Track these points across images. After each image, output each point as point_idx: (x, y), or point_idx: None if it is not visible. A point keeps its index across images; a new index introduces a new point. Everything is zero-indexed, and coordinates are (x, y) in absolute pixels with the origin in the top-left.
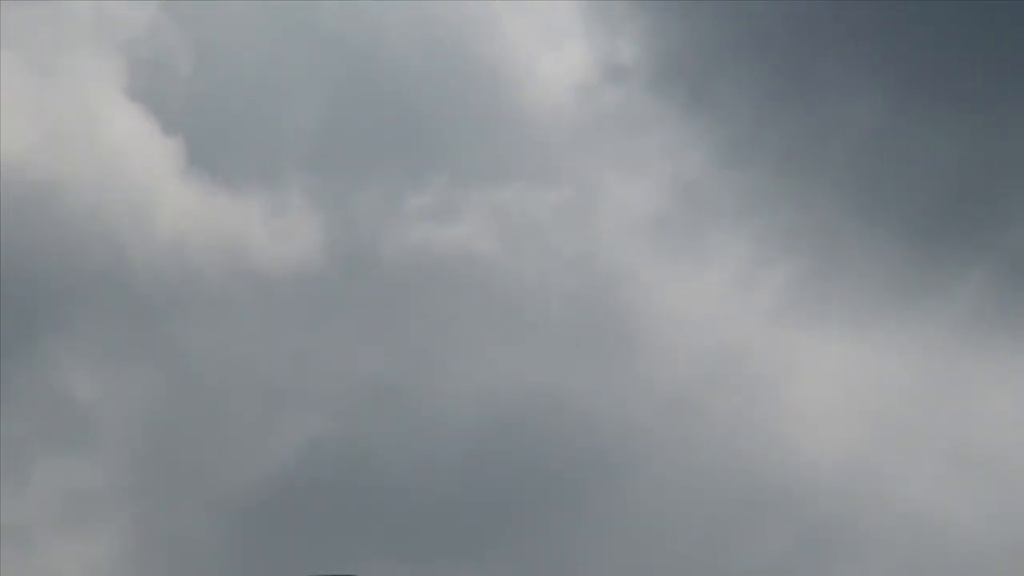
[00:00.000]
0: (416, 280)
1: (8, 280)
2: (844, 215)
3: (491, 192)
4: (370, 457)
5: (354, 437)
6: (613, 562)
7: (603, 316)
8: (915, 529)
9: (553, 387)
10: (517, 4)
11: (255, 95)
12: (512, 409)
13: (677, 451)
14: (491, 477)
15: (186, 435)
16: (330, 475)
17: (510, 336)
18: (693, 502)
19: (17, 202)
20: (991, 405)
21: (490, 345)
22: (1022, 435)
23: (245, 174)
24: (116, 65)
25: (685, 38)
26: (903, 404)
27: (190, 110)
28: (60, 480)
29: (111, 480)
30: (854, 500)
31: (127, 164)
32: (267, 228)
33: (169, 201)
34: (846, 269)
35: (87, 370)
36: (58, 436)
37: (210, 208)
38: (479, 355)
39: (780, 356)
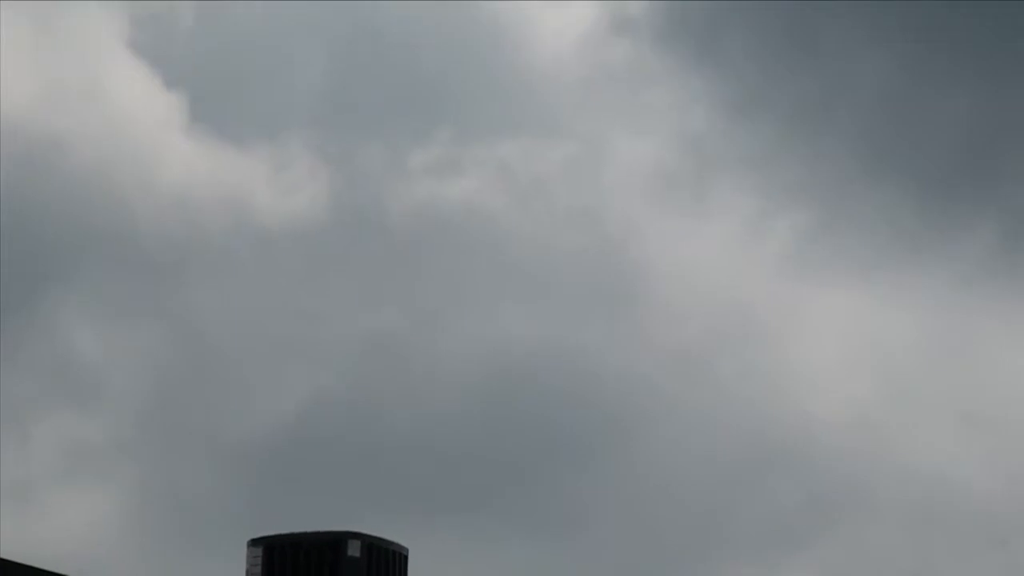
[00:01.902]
0: (421, 235)
1: (10, 236)
2: (851, 170)
3: (496, 147)
4: (375, 412)
5: (359, 392)
6: (618, 517)
7: (609, 271)
8: (922, 485)
9: (557, 342)
10: None
11: (259, 50)
12: (517, 364)
13: (682, 406)
14: (496, 433)
15: (190, 390)
16: (334, 430)
17: (515, 291)
18: (698, 457)
19: (19, 158)
20: (1000, 360)
21: (495, 300)
22: None
23: (249, 129)
24: (118, 19)
25: None
26: (910, 359)
27: (193, 65)
28: (63, 435)
29: (114, 435)
30: (861, 456)
31: (130, 119)
32: (271, 183)
33: (173, 156)
34: (853, 224)
35: (90, 325)
36: (61, 391)
37: (214, 164)
38: (484, 310)
39: (786, 311)
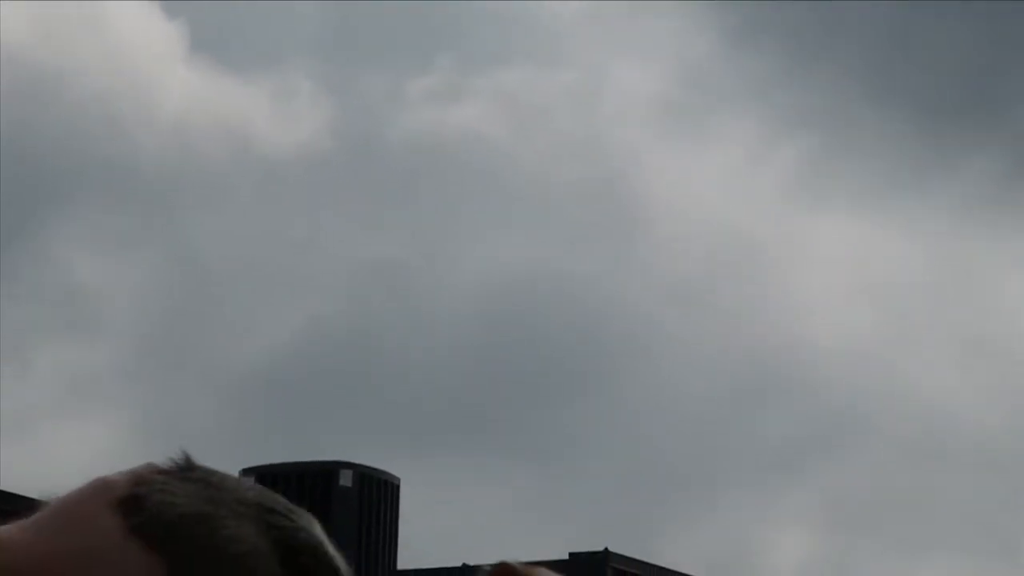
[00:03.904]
0: (422, 164)
1: (8, 166)
2: (853, 97)
3: (498, 75)
4: (374, 340)
5: (358, 320)
6: (616, 451)
7: (609, 201)
8: (923, 414)
9: (557, 271)
10: None
11: None
12: (517, 294)
13: (682, 337)
14: (494, 362)
15: (189, 318)
16: (333, 358)
17: (515, 220)
18: (698, 389)
19: (18, 89)
20: (1004, 288)
21: (495, 229)
22: None
23: (249, 59)
24: None
25: None
26: (914, 288)
27: None
28: (62, 364)
29: (113, 363)
30: (862, 384)
31: (129, 49)
32: (272, 113)
33: (173, 86)
34: (855, 150)
35: (90, 254)
36: (60, 320)
37: (214, 93)
38: (483, 239)
39: (788, 239)
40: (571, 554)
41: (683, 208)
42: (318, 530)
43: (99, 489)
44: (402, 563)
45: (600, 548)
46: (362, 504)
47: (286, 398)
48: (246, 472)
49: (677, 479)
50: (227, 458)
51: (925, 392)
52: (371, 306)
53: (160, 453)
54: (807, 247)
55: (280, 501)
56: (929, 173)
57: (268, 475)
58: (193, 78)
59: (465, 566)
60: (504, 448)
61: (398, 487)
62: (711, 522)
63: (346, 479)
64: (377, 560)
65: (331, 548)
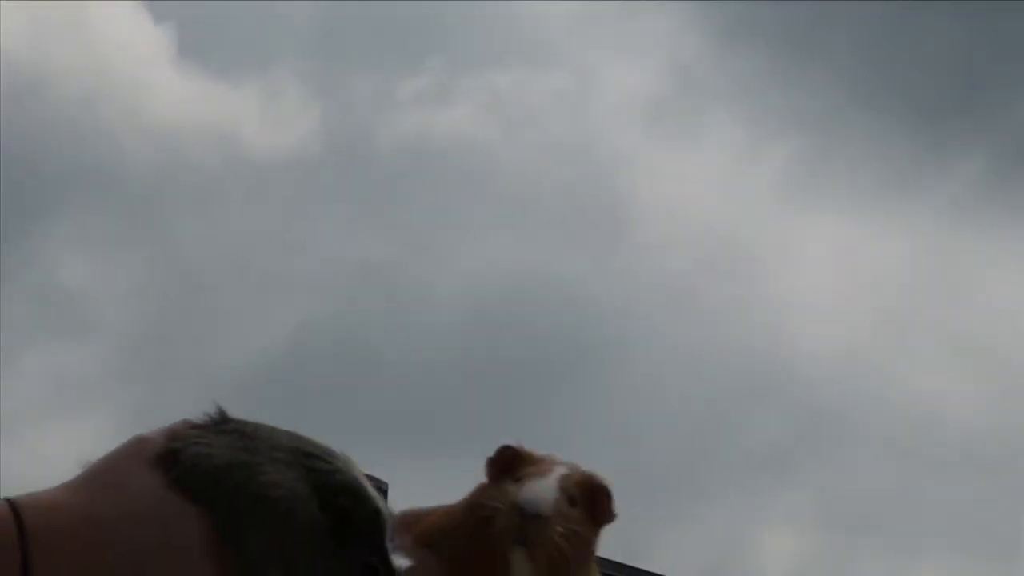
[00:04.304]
0: (411, 166)
1: None
2: (844, 97)
3: (487, 77)
4: (362, 342)
5: (347, 321)
6: (604, 449)
7: (599, 202)
8: (914, 420)
9: (547, 273)
10: None
11: None
12: (506, 296)
13: (671, 338)
14: (483, 364)
15: (179, 321)
16: (321, 360)
17: (505, 222)
18: (686, 391)
19: (6, 91)
20: (992, 291)
21: (485, 231)
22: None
23: (238, 61)
24: None
25: None
26: (903, 290)
27: None
28: (51, 366)
29: (102, 365)
30: (852, 389)
31: (117, 52)
32: (261, 116)
33: (161, 89)
34: (846, 151)
35: (79, 257)
36: (50, 322)
37: (203, 96)
38: (473, 241)
39: (777, 241)
40: None
41: (672, 209)
42: (356, 471)
43: (136, 447)
44: None
45: None
46: None
47: (274, 401)
48: None
49: (665, 481)
50: None
51: (914, 393)
52: (360, 308)
53: None
54: (796, 248)
55: (317, 445)
56: (919, 174)
57: None
58: (181, 81)
59: None
60: (492, 451)
61: (386, 492)
62: (699, 525)
63: None
64: None
65: (370, 488)
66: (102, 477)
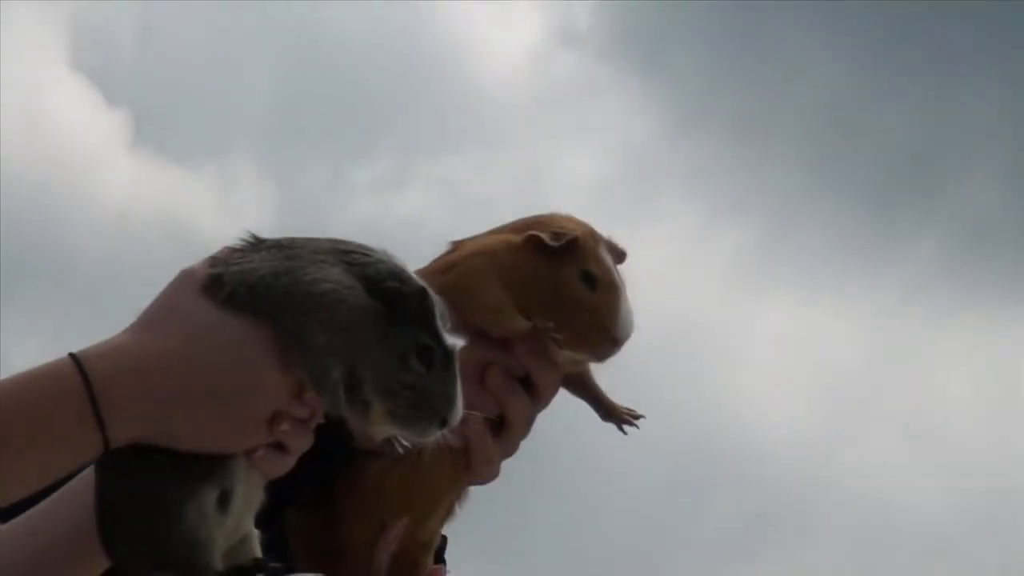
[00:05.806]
0: None
1: None
2: (798, 182)
3: (440, 163)
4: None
5: None
6: (558, 537)
7: None
8: (867, 506)
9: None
10: None
11: (202, 68)
12: None
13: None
14: None
15: None
16: None
17: None
18: (637, 475)
19: None
20: (946, 377)
21: None
22: (977, 410)
23: (192, 148)
24: (58, 35)
25: (639, 2)
26: (856, 375)
27: (135, 82)
28: None
29: None
30: (805, 476)
31: (71, 137)
32: (215, 203)
33: (115, 175)
34: (799, 236)
35: (32, 344)
36: None
37: (157, 182)
38: None
39: (731, 325)
40: None
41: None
42: (398, 259)
43: (184, 279)
44: None
45: None
46: None
47: None
48: None
49: (620, 568)
50: None
51: (867, 478)
52: None
53: None
54: (750, 332)
55: (353, 243)
56: (872, 258)
57: None
58: (135, 167)
59: None
60: (451, 547)
61: None
62: None
63: None
64: None
65: (413, 272)
66: (159, 313)
